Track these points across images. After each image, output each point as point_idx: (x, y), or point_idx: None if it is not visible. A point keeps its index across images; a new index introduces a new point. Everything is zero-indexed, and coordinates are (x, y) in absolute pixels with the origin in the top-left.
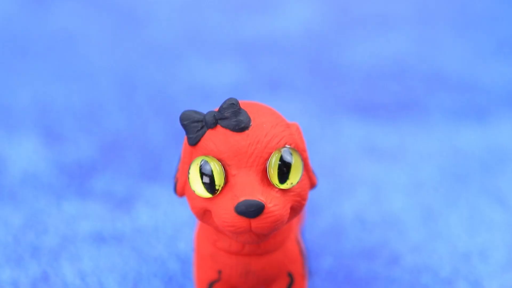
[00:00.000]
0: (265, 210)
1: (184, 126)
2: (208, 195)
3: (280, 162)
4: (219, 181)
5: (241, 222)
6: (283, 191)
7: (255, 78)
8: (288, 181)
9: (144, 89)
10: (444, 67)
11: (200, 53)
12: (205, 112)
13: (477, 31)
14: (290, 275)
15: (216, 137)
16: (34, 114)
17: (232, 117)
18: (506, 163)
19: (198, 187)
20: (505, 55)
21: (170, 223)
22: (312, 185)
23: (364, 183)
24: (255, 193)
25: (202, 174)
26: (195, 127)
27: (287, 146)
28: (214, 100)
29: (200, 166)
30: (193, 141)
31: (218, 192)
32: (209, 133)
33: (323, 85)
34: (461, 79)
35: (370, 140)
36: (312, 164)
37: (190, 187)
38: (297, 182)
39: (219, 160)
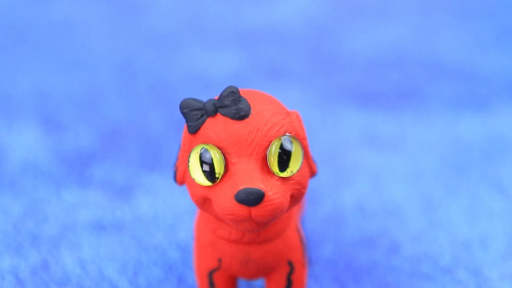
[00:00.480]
0: (265, 198)
1: (184, 114)
2: (208, 183)
3: (280, 150)
4: (219, 169)
5: (241, 210)
6: (283, 179)
7: (255, 67)
8: (288, 169)
9: (144, 78)
10: (444, 56)
11: (200, 42)
12: (205, 100)
13: (478, 20)
14: (290, 264)
15: (216, 125)
16: (34, 102)
17: (232, 105)
18: (506, 152)
19: (198, 175)
20: (506, 44)
21: (170, 211)
22: (312, 173)
23: (365, 172)
24: (255, 181)
25: (202, 162)
26: (195, 115)
27: (287, 134)
28: (214, 88)
29: (200, 154)
30: (193, 129)
31: (218, 180)
32: (209, 121)
33: (323, 74)
34: (461, 68)
35: (370, 129)
36: (312, 152)
37: (190, 175)
38: (297, 170)
39: (219, 148)
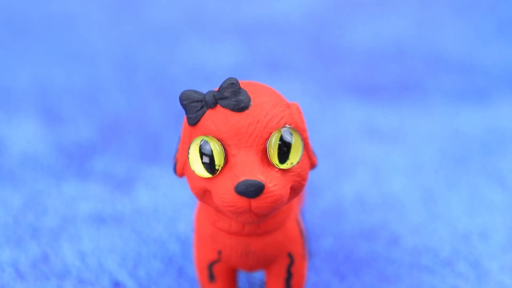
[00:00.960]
0: (265, 190)
1: (184, 106)
2: (208, 175)
3: (280, 142)
4: (219, 161)
5: (241, 202)
6: (283, 171)
7: (255, 59)
8: (288, 161)
9: (144, 71)
10: (444, 48)
11: (200, 34)
12: (205, 92)
13: (478, 13)
14: (290, 256)
15: (216, 116)
16: (34, 95)
17: (232, 96)
18: (507, 145)
19: (198, 167)
20: (506, 37)
21: (170, 204)
22: (312, 165)
23: (365, 165)
24: (255, 173)
25: (202, 154)
26: (194, 106)
27: (287, 126)
28: (214, 81)
29: (200, 146)
30: (193, 121)
31: (218, 172)
32: (209, 113)
33: (323, 67)
34: (461, 61)
35: (371, 121)
36: (312, 145)
37: (190, 167)
38: (297, 162)
39: (219, 140)
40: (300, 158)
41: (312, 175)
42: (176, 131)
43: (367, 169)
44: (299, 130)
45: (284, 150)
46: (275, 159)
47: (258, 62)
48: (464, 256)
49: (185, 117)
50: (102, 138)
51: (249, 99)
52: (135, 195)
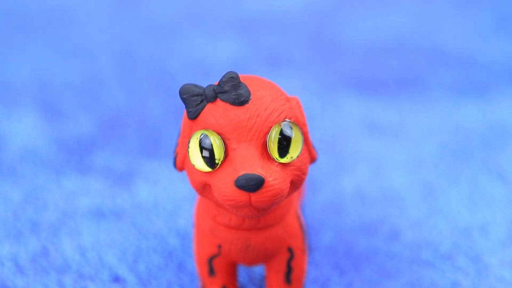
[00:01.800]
0: (265, 184)
1: (184, 100)
2: (208, 169)
3: (280, 136)
4: (219, 155)
5: (241, 196)
6: (283, 165)
7: (255, 54)
8: (288, 155)
9: (143, 65)
10: (444, 43)
11: (200, 29)
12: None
13: (478, 7)
14: (290, 250)
15: (216, 110)
16: (34, 90)
17: (232, 90)
18: (507, 139)
19: (197, 161)
20: (506, 31)
21: (169, 199)
22: (312, 159)
23: (365, 159)
24: (255, 167)
25: (202, 148)
26: (194, 100)
27: (287, 120)
28: (213, 76)
29: (200, 140)
30: (193, 115)
31: (218, 166)
32: (209, 107)
33: (323, 61)
34: (461, 55)
35: (371, 116)
36: (312, 139)
37: (190, 161)
38: (297, 156)
39: (219, 134)
40: (300, 152)
41: (312, 170)
42: (176, 126)
43: (367, 164)
44: (299, 124)
45: (284, 144)
46: (275, 153)
47: (258, 57)
48: (464, 251)
49: (185, 111)
50: (102, 133)
51: (249, 93)
52: (135, 190)
